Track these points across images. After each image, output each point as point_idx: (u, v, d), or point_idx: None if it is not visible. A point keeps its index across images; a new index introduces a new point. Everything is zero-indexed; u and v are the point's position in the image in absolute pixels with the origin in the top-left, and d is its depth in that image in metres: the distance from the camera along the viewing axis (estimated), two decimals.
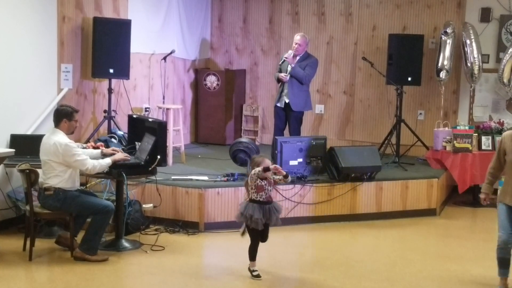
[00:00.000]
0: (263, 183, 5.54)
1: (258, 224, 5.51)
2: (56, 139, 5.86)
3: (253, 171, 5.56)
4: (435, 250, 6.76)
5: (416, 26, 9.57)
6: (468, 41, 8.73)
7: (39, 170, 5.99)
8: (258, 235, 5.66)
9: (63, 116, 5.95)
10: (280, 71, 8.26)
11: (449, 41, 8.76)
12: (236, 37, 10.65)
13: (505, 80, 8.75)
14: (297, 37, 8.21)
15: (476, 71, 8.76)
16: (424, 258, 6.40)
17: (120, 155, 6.21)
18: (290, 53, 8.17)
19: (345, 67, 10.05)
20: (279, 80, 8.27)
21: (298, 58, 8.20)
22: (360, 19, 9.90)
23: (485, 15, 9.08)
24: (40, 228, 6.43)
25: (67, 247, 6.11)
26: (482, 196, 5.67)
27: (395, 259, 6.38)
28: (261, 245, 6.83)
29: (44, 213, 6.01)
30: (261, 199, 5.56)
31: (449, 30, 8.69)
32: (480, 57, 8.74)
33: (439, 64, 8.83)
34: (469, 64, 8.77)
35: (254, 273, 5.63)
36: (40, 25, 7.24)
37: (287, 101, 8.22)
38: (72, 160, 5.85)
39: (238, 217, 5.67)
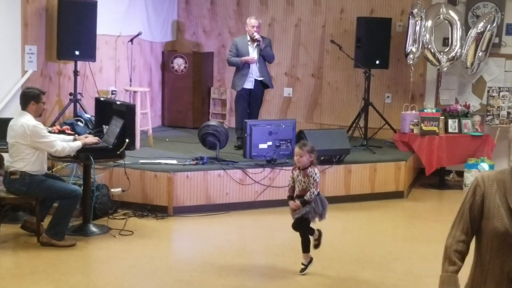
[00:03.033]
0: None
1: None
2: (23, 121, 5.74)
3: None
4: (403, 232, 6.83)
5: (383, 9, 9.58)
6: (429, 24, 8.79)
7: (5, 154, 5.86)
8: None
9: (30, 98, 5.83)
10: (237, 56, 8.24)
11: (416, 23, 8.77)
12: (204, 19, 10.54)
13: (468, 64, 8.83)
14: (255, 21, 8.26)
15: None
16: (393, 240, 6.47)
17: (91, 138, 6.12)
18: (258, 36, 8.17)
19: (313, 50, 10.03)
20: (234, 64, 8.28)
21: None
22: (328, 1, 9.88)
23: None
24: (5, 213, 6.29)
25: (33, 232, 6.01)
26: None
27: (364, 241, 6.42)
28: (231, 228, 6.83)
29: (9, 198, 5.89)
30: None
31: (415, 12, 8.71)
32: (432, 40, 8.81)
33: (407, 47, 8.85)
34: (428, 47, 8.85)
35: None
36: (2, 5, 7.05)
37: (260, 79, 8.29)
38: (40, 141, 5.73)
39: (309, 213, 5.32)
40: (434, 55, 8.78)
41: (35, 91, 5.91)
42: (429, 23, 8.75)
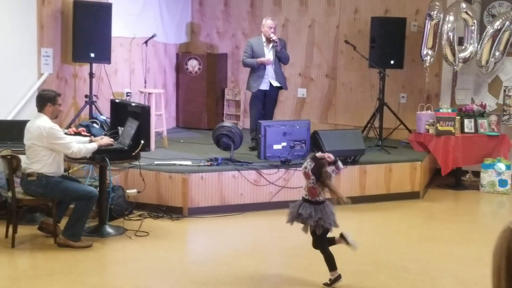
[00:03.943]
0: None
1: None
2: (40, 123, 5.78)
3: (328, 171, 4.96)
4: (419, 233, 6.79)
5: (398, 9, 9.55)
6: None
7: (22, 156, 5.91)
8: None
9: (47, 100, 5.87)
10: (252, 57, 8.24)
11: (433, 23, 8.72)
12: (217, 20, 10.56)
13: (483, 62, 8.78)
14: (271, 22, 8.26)
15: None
16: (409, 241, 6.43)
17: (106, 139, 6.16)
18: (276, 38, 8.17)
19: (327, 51, 10.02)
20: (249, 65, 8.27)
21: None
22: (342, 2, 9.86)
23: None
24: (22, 214, 6.34)
25: (50, 234, 6.05)
26: None
27: (379, 242, 6.40)
28: (246, 229, 6.83)
29: (26, 199, 5.93)
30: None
31: (433, 13, 8.66)
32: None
33: (423, 49, 8.78)
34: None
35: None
36: (19, 8, 7.10)
37: (275, 83, 8.29)
38: (57, 143, 5.77)
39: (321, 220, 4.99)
40: (454, 54, 8.70)
41: (51, 93, 5.96)
42: (451, 21, 8.65)
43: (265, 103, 8.39)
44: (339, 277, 5.09)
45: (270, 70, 8.26)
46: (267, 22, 8.26)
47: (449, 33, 8.62)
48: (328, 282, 5.10)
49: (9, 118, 6.97)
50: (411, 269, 5.60)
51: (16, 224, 5.88)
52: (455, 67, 8.86)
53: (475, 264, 5.76)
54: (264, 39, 8.26)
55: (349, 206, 7.50)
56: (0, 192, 6.62)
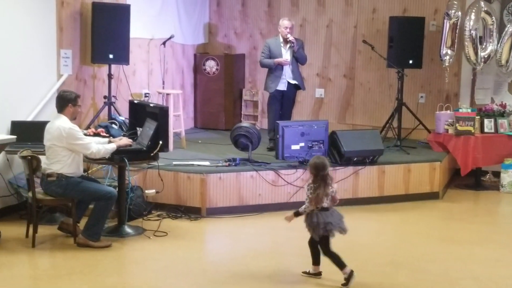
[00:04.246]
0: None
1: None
2: (59, 123, 5.83)
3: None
4: (438, 233, 6.74)
5: (416, 8, 9.49)
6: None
7: (41, 157, 5.96)
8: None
9: (68, 101, 5.93)
10: (269, 57, 8.23)
11: (451, 23, 8.65)
12: (235, 21, 10.57)
13: (503, 61, 8.70)
14: (288, 22, 8.25)
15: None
16: (428, 242, 6.39)
17: (125, 140, 6.19)
18: (292, 38, 8.15)
19: (345, 51, 9.99)
20: (267, 66, 8.26)
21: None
22: (360, 1, 9.83)
23: None
24: (42, 214, 6.39)
25: (69, 234, 6.10)
26: None
27: (398, 243, 6.37)
28: (264, 230, 6.84)
29: (46, 200, 5.98)
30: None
31: (451, 12, 8.60)
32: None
33: (442, 49, 8.72)
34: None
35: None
36: (38, 10, 7.16)
37: (293, 82, 8.29)
38: (76, 143, 5.82)
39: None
40: (476, 54, 8.61)
41: (72, 94, 6.01)
42: (472, 20, 8.57)
43: (283, 104, 8.40)
44: (352, 273, 5.12)
45: (287, 71, 8.25)
46: (284, 23, 8.25)
47: (472, 32, 8.53)
48: (344, 281, 5.13)
49: (29, 119, 7.03)
50: (430, 270, 5.56)
51: (36, 224, 5.93)
52: (477, 67, 8.78)
53: (496, 265, 5.71)
54: (281, 40, 8.26)
55: (368, 206, 7.58)
56: (20, 193, 6.70)
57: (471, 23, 8.52)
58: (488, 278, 5.43)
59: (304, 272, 5.38)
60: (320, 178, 5.17)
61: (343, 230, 5.23)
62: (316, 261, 5.34)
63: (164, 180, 6.90)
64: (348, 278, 5.12)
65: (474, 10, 8.59)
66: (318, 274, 5.33)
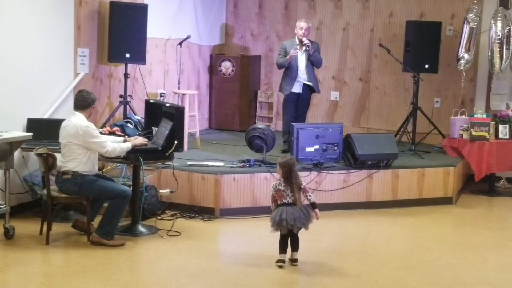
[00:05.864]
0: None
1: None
2: (76, 121, 5.88)
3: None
4: (452, 239, 6.72)
5: (433, 13, 9.46)
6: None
7: (57, 154, 6.00)
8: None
9: (92, 102, 6.03)
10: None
11: (470, 28, 8.59)
12: (252, 22, 10.59)
13: None
14: (304, 24, 8.23)
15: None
16: (441, 247, 6.37)
17: (140, 139, 6.23)
18: (307, 42, 8.14)
19: (361, 54, 9.98)
20: (282, 64, 8.26)
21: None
22: (377, 5, 9.81)
23: (505, 1, 8.94)
24: (57, 212, 6.43)
25: (84, 232, 6.13)
26: None
27: (412, 247, 6.35)
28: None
29: (61, 197, 6.02)
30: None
31: (470, 17, 8.55)
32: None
33: (460, 53, 8.67)
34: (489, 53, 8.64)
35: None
36: (57, 8, 7.21)
37: (308, 83, 8.27)
38: (92, 141, 5.85)
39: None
40: (501, 61, 8.55)
41: (94, 95, 6.11)
42: (499, 25, 8.49)
43: (297, 106, 8.39)
44: (283, 262, 5.60)
45: (303, 73, 8.25)
46: (300, 24, 8.25)
47: (503, 39, 8.47)
48: (277, 261, 5.58)
49: (45, 116, 7.08)
50: (444, 275, 5.54)
51: (50, 222, 5.97)
52: (499, 73, 8.70)
53: (509, 271, 5.69)
54: (297, 42, 8.25)
55: (382, 210, 7.57)
56: (35, 190, 6.74)
57: (499, 28, 8.45)
58: (502, 284, 5.40)
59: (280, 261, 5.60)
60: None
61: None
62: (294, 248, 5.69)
63: (178, 180, 6.93)
64: (281, 261, 5.56)
65: (499, 16, 8.52)
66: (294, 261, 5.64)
